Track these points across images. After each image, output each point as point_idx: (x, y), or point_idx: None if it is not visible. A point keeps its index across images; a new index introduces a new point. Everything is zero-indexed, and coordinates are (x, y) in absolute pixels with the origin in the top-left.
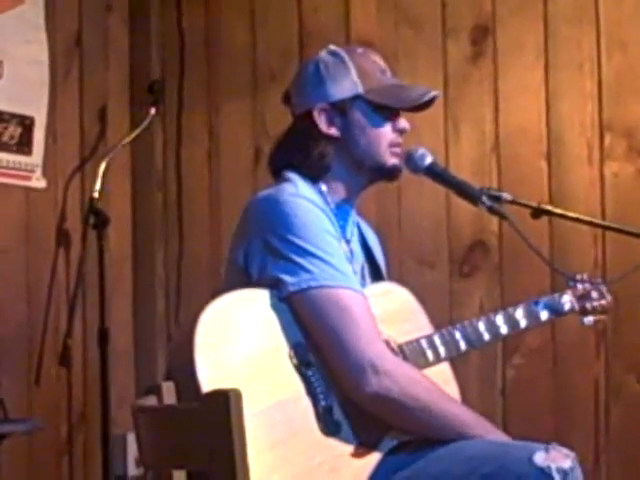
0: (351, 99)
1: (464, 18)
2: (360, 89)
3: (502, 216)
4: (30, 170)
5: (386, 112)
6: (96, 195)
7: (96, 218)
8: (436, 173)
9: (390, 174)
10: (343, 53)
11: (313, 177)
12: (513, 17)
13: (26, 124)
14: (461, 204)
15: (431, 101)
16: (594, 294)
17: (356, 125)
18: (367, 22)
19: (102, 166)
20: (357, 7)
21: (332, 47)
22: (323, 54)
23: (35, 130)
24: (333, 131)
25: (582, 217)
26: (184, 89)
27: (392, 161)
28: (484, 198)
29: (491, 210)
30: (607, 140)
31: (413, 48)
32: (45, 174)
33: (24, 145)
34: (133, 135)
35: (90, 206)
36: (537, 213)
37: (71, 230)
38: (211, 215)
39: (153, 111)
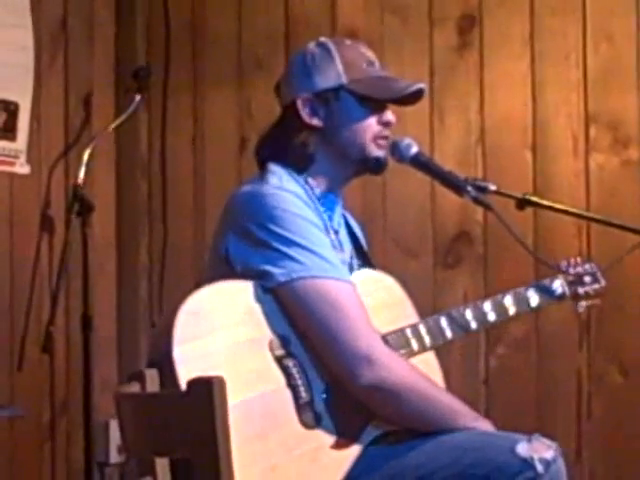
0: (334, 90)
1: (451, 8)
2: (343, 79)
3: (487, 207)
4: (14, 156)
5: (371, 104)
6: (80, 182)
7: (80, 205)
8: (421, 163)
9: (374, 166)
10: (330, 44)
11: (298, 168)
12: (499, 7)
13: (11, 110)
14: (446, 194)
15: (417, 95)
16: (587, 279)
17: (339, 116)
18: (353, 10)
19: (86, 153)
20: None
21: (321, 39)
22: (311, 45)
23: (20, 116)
24: (316, 121)
25: (567, 208)
26: (169, 76)
27: (376, 153)
28: (469, 188)
29: (476, 200)
30: (592, 132)
31: (399, 37)
32: (29, 160)
33: (8, 131)
34: (118, 122)
35: (74, 193)
36: (522, 204)
37: (55, 217)
38: (195, 203)
39: (138, 98)
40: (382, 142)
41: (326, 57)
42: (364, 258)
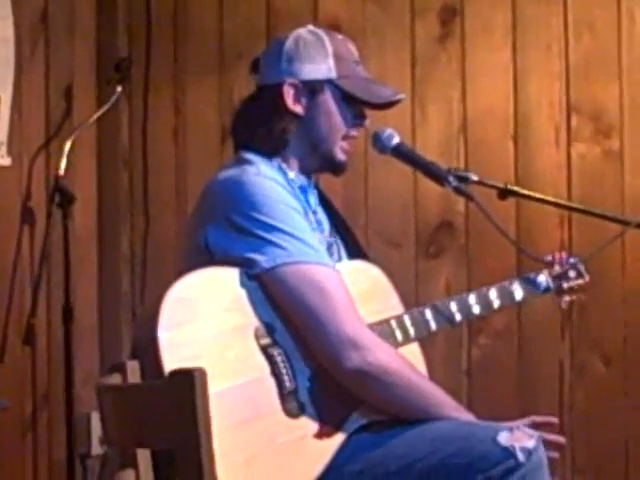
0: (323, 82)
1: None
2: (334, 74)
3: (469, 197)
4: None
5: (354, 103)
6: (61, 173)
7: (61, 196)
8: (403, 153)
9: (336, 168)
10: (323, 35)
11: (270, 152)
12: None
13: None
14: (428, 184)
15: (394, 103)
16: (571, 273)
17: (322, 108)
18: (335, 1)
19: (68, 144)
20: None
21: (311, 27)
22: (303, 31)
23: (0, 107)
24: (298, 108)
25: (549, 198)
26: (151, 67)
27: (340, 156)
28: (451, 179)
29: (458, 191)
30: (574, 121)
31: (381, 28)
32: (10, 152)
33: None
34: (99, 113)
35: (55, 184)
36: (504, 194)
37: (36, 208)
38: (177, 193)
39: (119, 89)
40: (346, 146)
41: (319, 47)
42: (345, 233)
